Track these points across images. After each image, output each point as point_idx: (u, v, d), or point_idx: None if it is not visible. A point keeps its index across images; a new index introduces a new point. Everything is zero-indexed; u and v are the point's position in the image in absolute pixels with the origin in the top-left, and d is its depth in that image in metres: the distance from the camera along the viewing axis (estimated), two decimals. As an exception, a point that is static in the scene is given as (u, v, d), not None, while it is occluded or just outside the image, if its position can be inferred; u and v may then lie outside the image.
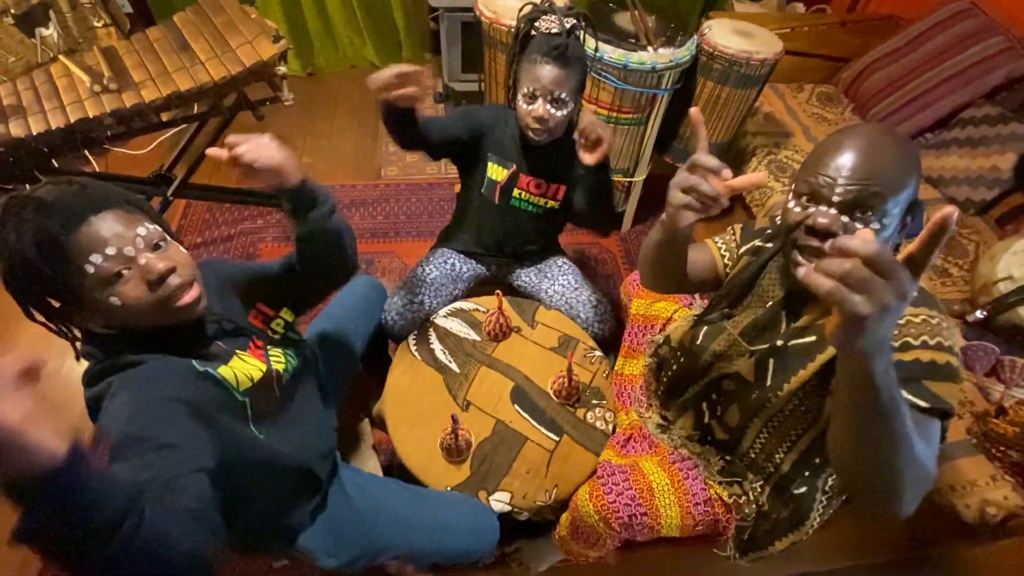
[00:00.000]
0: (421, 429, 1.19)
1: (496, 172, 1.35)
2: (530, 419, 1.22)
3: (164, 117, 1.62)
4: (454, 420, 1.09)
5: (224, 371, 0.79)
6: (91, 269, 0.68)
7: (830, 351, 0.79)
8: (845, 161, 0.73)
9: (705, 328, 1.00)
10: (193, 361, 0.76)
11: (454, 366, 1.29)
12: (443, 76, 2.68)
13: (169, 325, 0.76)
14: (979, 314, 1.53)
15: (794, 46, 2.27)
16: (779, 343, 0.87)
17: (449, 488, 1.11)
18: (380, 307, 1.36)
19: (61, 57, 1.60)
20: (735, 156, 2.17)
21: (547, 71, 1.13)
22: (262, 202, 2.15)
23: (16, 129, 1.40)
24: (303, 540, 0.96)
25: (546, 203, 1.38)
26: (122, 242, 0.70)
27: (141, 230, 0.72)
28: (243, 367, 0.83)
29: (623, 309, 1.35)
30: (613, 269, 2.13)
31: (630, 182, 2.03)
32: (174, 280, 0.74)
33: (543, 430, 1.21)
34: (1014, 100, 1.90)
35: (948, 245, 1.81)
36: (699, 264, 1.04)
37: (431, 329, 1.35)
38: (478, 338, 1.35)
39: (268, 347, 0.92)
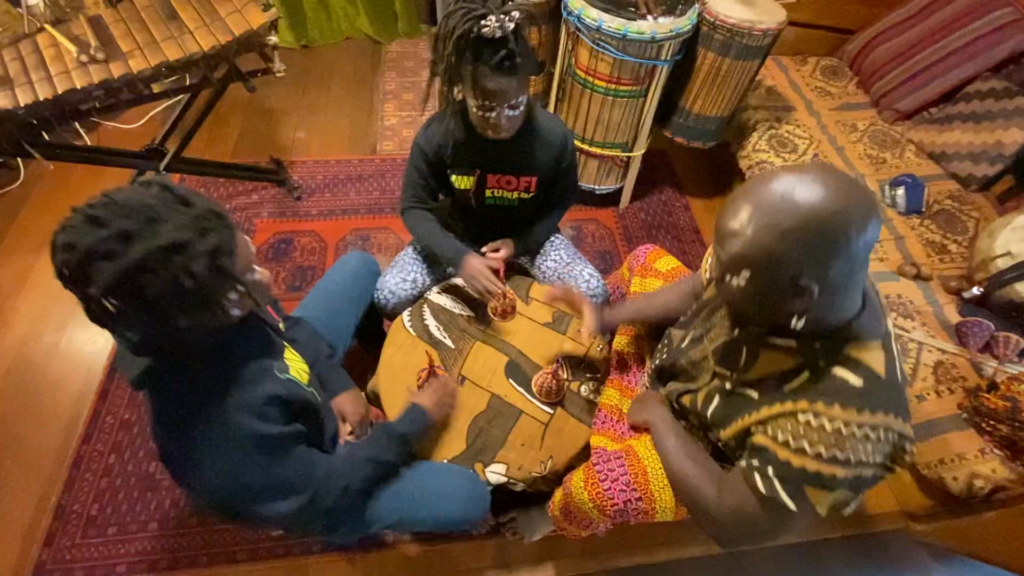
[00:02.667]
0: (416, 403, 1.19)
1: (461, 182, 1.30)
2: (525, 393, 1.22)
3: (154, 89, 1.59)
4: (430, 362, 1.14)
5: (295, 374, 0.89)
6: (248, 281, 0.74)
7: (751, 416, 0.79)
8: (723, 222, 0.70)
9: (692, 333, 0.99)
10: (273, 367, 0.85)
11: (448, 342, 1.29)
12: (439, 48, 2.62)
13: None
14: (976, 290, 1.53)
15: (798, 16, 2.22)
16: (728, 386, 0.85)
17: (445, 461, 1.13)
18: (373, 283, 1.35)
19: (47, 27, 1.56)
20: (735, 131, 2.13)
21: (498, 85, 1.03)
22: (257, 177, 2.13)
23: (2, 100, 1.38)
24: (298, 514, 0.97)
25: (519, 196, 1.33)
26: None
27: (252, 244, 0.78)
28: (297, 364, 0.91)
29: (626, 283, 1.34)
30: (610, 245, 2.12)
31: (628, 157, 2.01)
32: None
33: (537, 403, 1.21)
34: (1021, 74, 1.86)
35: (948, 222, 1.80)
36: (695, 291, 1.08)
37: (425, 305, 1.35)
38: (472, 314, 1.35)
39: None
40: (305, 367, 0.93)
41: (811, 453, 0.70)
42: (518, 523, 1.37)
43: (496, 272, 1.29)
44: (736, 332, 0.85)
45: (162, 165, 1.77)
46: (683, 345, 1.00)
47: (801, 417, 0.71)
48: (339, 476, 0.90)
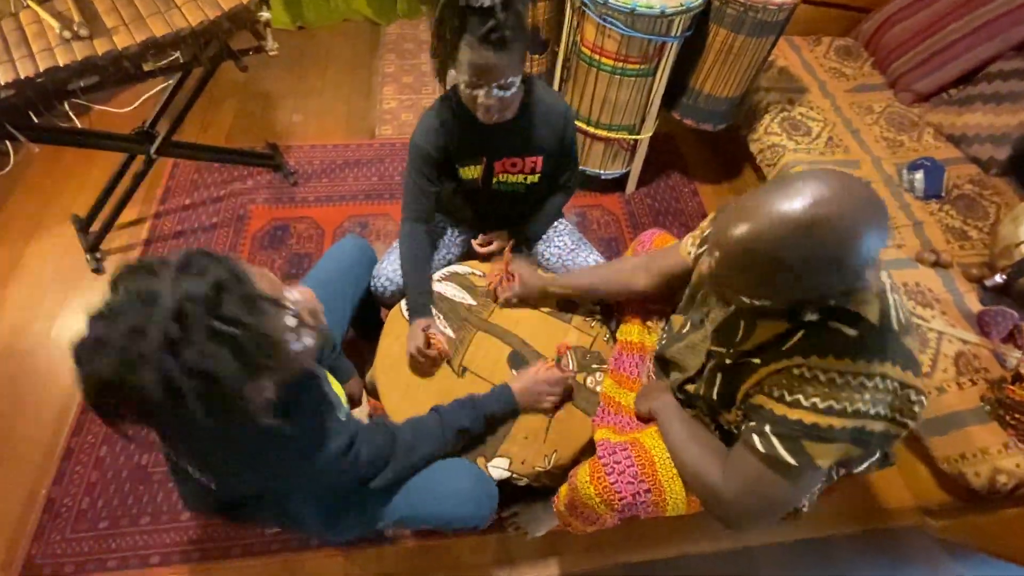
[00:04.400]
0: (416, 396, 1.14)
1: (469, 172, 1.25)
2: (528, 384, 1.17)
3: (144, 67, 1.52)
4: (426, 335, 1.12)
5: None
6: (291, 320, 0.67)
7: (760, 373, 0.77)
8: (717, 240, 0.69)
9: (691, 317, 0.97)
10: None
11: (449, 331, 1.24)
12: (440, 29, 2.54)
13: None
14: (998, 278, 1.46)
15: (813, -6, 2.13)
16: (727, 361, 0.83)
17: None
18: (369, 270, 1.30)
19: (30, 2, 1.50)
20: (746, 113, 2.06)
21: (485, 59, 0.96)
22: (252, 162, 2.07)
23: (-17, 78, 1.32)
24: (293, 509, 0.93)
25: (526, 179, 1.28)
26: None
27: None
28: (337, 388, 0.91)
29: None
30: (616, 232, 2.06)
31: (635, 140, 1.94)
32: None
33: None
34: (1046, 52, 1.79)
35: (968, 207, 1.73)
36: (668, 270, 1.05)
37: (425, 292, 1.29)
38: (474, 302, 1.29)
39: None
40: (338, 385, 0.91)
41: (806, 405, 0.70)
42: (521, 518, 1.32)
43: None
44: (732, 307, 0.84)
45: (152, 148, 1.71)
46: (684, 331, 0.97)
47: (795, 371, 0.71)
48: (430, 439, 0.97)
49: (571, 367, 1.19)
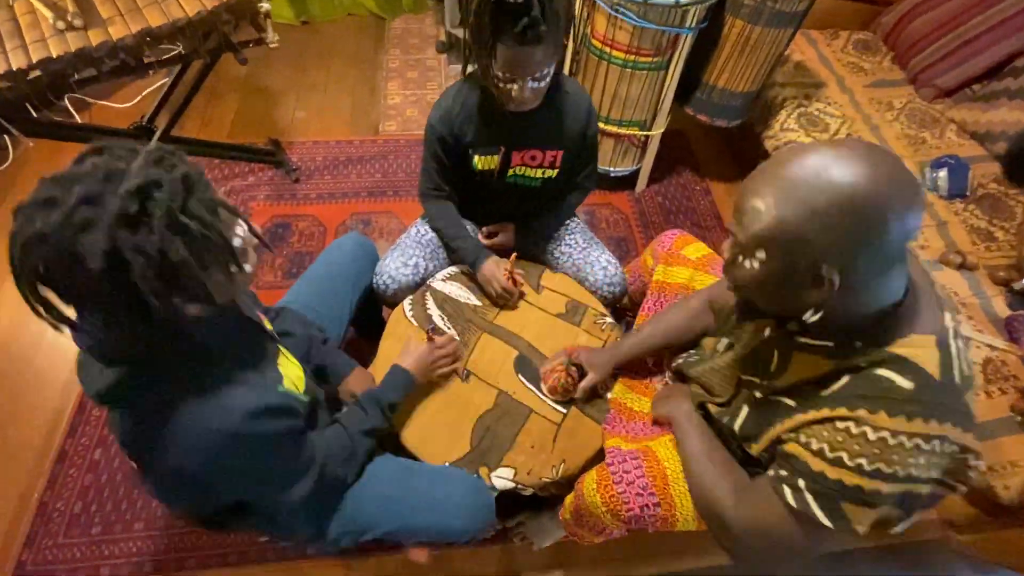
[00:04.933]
0: (417, 401, 1.10)
1: (484, 163, 1.20)
2: (535, 390, 1.12)
3: (143, 60, 1.48)
4: (429, 336, 1.08)
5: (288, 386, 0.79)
6: (238, 242, 0.65)
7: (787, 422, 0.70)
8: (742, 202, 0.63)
9: (724, 340, 0.90)
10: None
11: (453, 333, 1.19)
12: (445, 24, 2.50)
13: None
14: (1028, 281, 1.39)
15: (832, -15, 2.07)
16: (758, 394, 0.77)
17: (447, 464, 1.03)
18: (370, 268, 1.25)
19: (25, -8, 1.46)
20: (762, 109, 1.99)
21: (521, 55, 0.94)
22: (253, 158, 2.02)
23: (-26, 71, 1.28)
24: (283, 518, 0.88)
25: (544, 174, 1.23)
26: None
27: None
28: (292, 371, 0.82)
29: (648, 272, 1.22)
30: (626, 231, 2.00)
31: (647, 136, 1.88)
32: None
33: (549, 402, 1.11)
34: (1076, 45, 1.71)
35: (994, 207, 1.66)
36: (728, 299, 0.94)
37: (428, 293, 1.24)
38: (479, 303, 1.24)
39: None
40: (300, 372, 0.83)
41: (850, 465, 0.61)
42: (527, 528, 1.27)
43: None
44: (767, 333, 0.76)
45: (150, 145, 1.67)
46: (716, 352, 0.91)
47: (840, 424, 0.63)
48: (342, 450, 0.89)
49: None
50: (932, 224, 1.61)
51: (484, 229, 1.37)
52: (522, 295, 1.25)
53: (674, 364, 1.02)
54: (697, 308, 1.02)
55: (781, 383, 0.72)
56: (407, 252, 1.26)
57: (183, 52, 1.59)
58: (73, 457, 1.40)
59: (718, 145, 2.32)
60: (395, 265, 1.23)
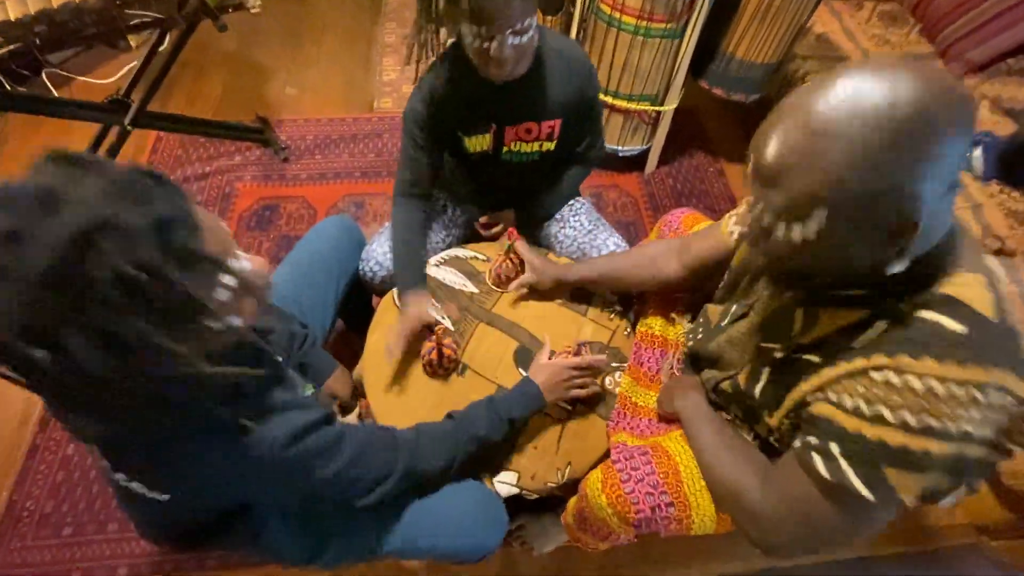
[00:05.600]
0: (410, 397, 1.00)
1: (476, 144, 1.09)
2: (537, 386, 1.02)
3: (114, 24, 1.36)
4: (438, 339, 0.96)
5: None
6: (224, 295, 0.51)
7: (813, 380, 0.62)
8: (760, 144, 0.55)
9: (733, 309, 0.81)
10: None
11: (448, 323, 1.09)
12: None
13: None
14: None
15: (856, -48, 1.93)
16: (778, 355, 0.68)
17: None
18: (356, 254, 1.16)
19: (-16, -48, 1.34)
20: (781, 84, 1.87)
21: (495, 2, 0.82)
22: (240, 136, 1.92)
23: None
24: (269, 536, 0.78)
25: (541, 146, 1.12)
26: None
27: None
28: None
29: None
30: (635, 215, 1.89)
31: (658, 112, 1.75)
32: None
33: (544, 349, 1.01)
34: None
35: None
36: (705, 254, 0.90)
37: (421, 279, 1.14)
38: (476, 290, 1.14)
39: None
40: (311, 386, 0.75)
41: (894, 421, 0.53)
42: (527, 532, 1.19)
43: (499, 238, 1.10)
44: (787, 296, 0.68)
45: (127, 119, 1.56)
46: (723, 323, 0.82)
47: (877, 376, 0.54)
48: (440, 449, 0.81)
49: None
50: (966, 206, 1.50)
51: (481, 220, 1.26)
52: (517, 271, 1.12)
53: (687, 347, 0.94)
54: (654, 255, 0.98)
55: (806, 340, 0.64)
56: (397, 236, 1.15)
57: (160, 18, 1.47)
58: (44, 452, 1.31)
59: (732, 124, 2.19)
60: (383, 250, 1.13)
